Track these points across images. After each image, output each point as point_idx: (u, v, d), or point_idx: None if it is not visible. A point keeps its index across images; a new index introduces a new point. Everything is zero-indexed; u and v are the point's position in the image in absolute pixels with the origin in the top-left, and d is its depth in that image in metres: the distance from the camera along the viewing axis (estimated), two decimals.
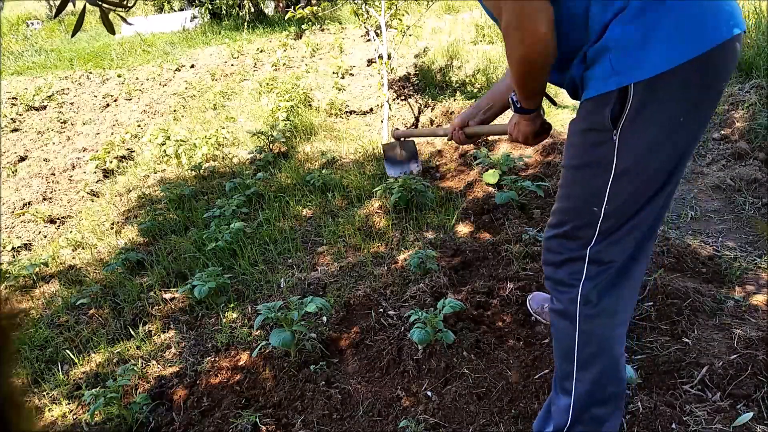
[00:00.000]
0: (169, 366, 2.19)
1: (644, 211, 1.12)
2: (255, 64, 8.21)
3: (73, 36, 1.31)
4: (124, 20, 1.40)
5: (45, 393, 2.18)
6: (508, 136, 1.44)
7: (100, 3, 1.19)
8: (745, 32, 1.08)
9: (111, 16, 1.26)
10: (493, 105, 1.62)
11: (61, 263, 3.53)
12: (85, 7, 1.22)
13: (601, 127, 1.07)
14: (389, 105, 4.93)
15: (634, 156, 1.06)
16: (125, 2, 1.26)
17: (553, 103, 1.52)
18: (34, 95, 7.46)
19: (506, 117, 1.61)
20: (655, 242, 1.44)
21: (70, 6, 1.20)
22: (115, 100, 7.39)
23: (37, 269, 3.37)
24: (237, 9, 11.43)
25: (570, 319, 1.23)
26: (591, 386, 1.24)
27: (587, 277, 1.19)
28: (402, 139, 2.16)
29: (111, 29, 1.28)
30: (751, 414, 1.46)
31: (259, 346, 2.02)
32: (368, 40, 7.84)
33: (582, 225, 1.17)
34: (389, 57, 4.94)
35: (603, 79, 1.04)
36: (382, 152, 2.22)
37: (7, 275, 3.31)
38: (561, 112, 4.66)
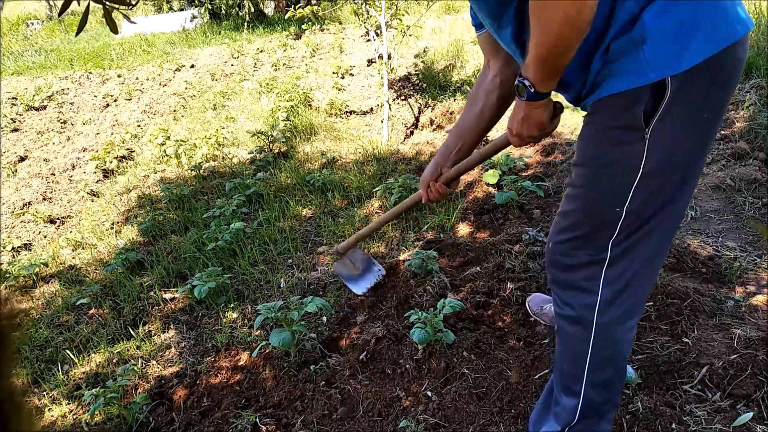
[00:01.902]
0: (169, 366, 2.19)
1: (666, 209, 1.08)
2: (255, 64, 8.21)
3: (77, 35, 1.31)
4: (128, 19, 1.39)
5: (45, 393, 2.18)
6: (511, 141, 1.24)
7: (103, 1, 1.19)
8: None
9: (113, 15, 1.26)
10: (463, 144, 1.47)
11: (61, 263, 3.53)
12: (88, 6, 1.22)
13: (630, 125, 1.01)
14: (389, 105, 4.93)
15: (663, 153, 1.02)
16: (128, 0, 1.26)
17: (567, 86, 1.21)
18: (34, 95, 7.47)
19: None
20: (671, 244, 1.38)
21: (72, 5, 1.20)
22: (115, 100, 7.39)
23: (37, 269, 3.37)
24: (237, 9, 11.43)
25: (584, 324, 1.18)
26: (600, 387, 1.23)
27: (606, 282, 1.13)
28: (345, 252, 2.02)
29: (114, 28, 1.28)
30: (751, 414, 1.46)
31: (259, 346, 2.02)
32: (368, 40, 7.84)
33: (601, 226, 1.11)
34: (389, 57, 4.94)
35: (635, 73, 0.98)
36: (337, 272, 2.04)
37: (7, 275, 3.31)
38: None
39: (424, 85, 5.94)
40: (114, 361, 2.32)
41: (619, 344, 1.20)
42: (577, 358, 1.22)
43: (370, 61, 7.14)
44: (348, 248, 1.96)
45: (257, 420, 1.73)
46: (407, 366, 1.86)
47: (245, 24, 10.93)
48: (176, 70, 8.53)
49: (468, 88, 5.69)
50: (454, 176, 1.50)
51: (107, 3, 1.20)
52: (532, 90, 1.06)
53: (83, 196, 4.71)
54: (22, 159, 5.73)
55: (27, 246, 3.98)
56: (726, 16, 0.97)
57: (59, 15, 1.27)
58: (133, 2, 1.26)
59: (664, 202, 1.07)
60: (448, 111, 5.19)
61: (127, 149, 5.63)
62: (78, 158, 5.54)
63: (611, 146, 1.06)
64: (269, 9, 12.21)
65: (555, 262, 1.22)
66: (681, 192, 1.08)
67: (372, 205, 3.37)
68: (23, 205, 4.58)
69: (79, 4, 1.23)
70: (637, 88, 0.98)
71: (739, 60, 1.01)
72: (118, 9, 1.25)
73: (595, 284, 1.14)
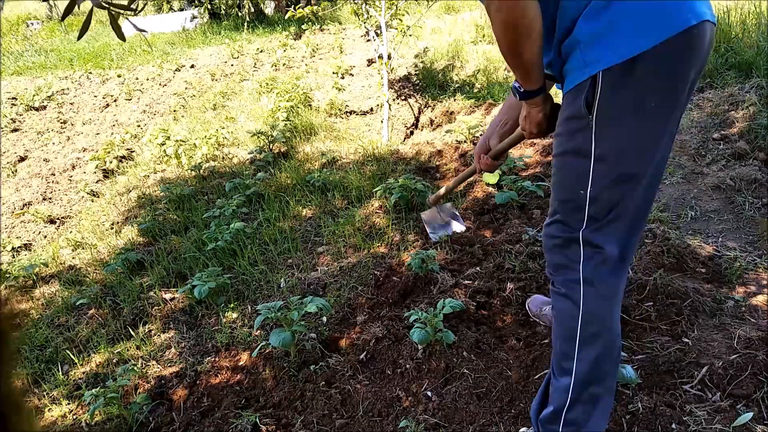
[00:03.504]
0: (169, 366, 2.19)
1: (629, 194, 1.18)
2: (255, 64, 8.21)
3: (79, 38, 1.31)
4: (134, 25, 1.39)
5: (45, 393, 2.18)
6: (524, 134, 1.40)
7: (107, 6, 1.19)
8: (715, 24, 1.13)
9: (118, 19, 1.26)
10: (509, 118, 1.57)
11: (61, 263, 3.53)
12: (92, 9, 1.22)
13: (578, 115, 1.14)
14: (389, 105, 4.93)
15: (611, 141, 1.13)
16: (133, 5, 1.26)
17: (557, 81, 1.36)
18: (34, 95, 7.46)
19: None
20: (644, 228, 1.48)
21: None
22: (115, 100, 7.39)
23: (37, 269, 3.37)
24: (237, 9, 11.42)
25: (573, 300, 1.27)
26: (591, 365, 1.27)
27: (585, 259, 1.24)
28: (435, 203, 2.18)
29: (121, 35, 1.28)
30: (751, 414, 1.46)
31: (259, 346, 2.02)
32: (368, 40, 7.84)
33: (572, 209, 1.23)
34: (389, 57, 4.94)
35: (576, 71, 1.13)
36: (424, 218, 2.23)
37: (7, 275, 3.31)
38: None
39: (424, 85, 5.94)
40: (114, 361, 2.32)
41: (606, 321, 1.26)
42: (568, 335, 1.30)
43: (370, 61, 7.14)
44: (437, 201, 2.13)
45: (257, 420, 1.73)
46: (407, 366, 1.86)
47: (245, 24, 10.92)
48: (176, 70, 8.53)
49: (468, 88, 5.69)
50: (496, 153, 1.62)
51: (113, 9, 1.20)
52: (521, 89, 1.25)
53: (83, 196, 4.71)
54: (22, 159, 5.73)
55: (27, 246, 3.98)
56: (658, 15, 1.05)
57: (62, 18, 1.27)
58: (138, 8, 1.26)
59: (625, 189, 1.17)
60: (447, 111, 5.19)
61: (127, 149, 5.63)
62: (78, 158, 5.54)
63: (568, 136, 1.20)
64: (269, 9, 12.21)
65: (545, 245, 1.35)
66: (640, 178, 1.17)
67: (372, 205, 3.37)
68: (23, 205, 4.58)
69: (79, 8, 1.24)
70: (579, 83, 1.12)
71: (684, 53, 1.07)
72: (123, 14, 1.25)
73: (575, 262, 1.25)
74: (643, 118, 1.11)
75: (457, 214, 2.17)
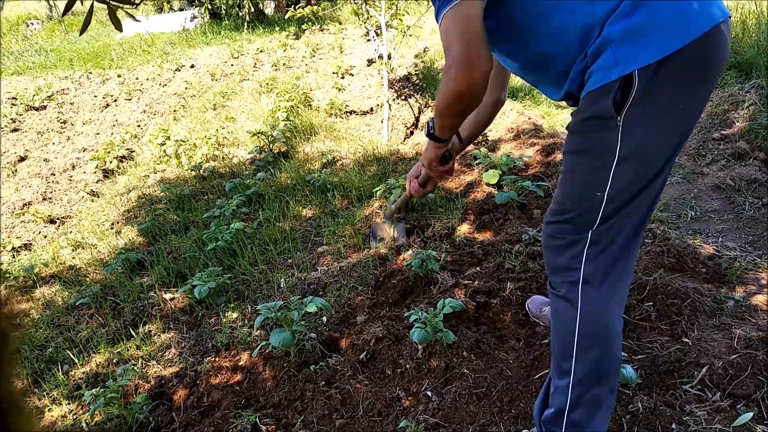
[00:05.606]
0: (169, 366, 2.19)
1: (642, 194, 1.16)
2: (255, 64, 8.21)
3: (81, 34, 1.32)
4: (132, 17, 1.39)
5: (45, 393, 2.18)
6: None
7: (107, 0, 1.20)
8: (730, 17, 1.14)
9: (118, 14, 1.27)
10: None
11: (61, 263, 3.53)
12: (92, 5, 1.23)
13: (603, 115, 1.11)
14: (389, 105, 4.93)
15: (638, 140, 1.11)
16: None
17: (461, 140, 1.61)
18: (34, 95, 7.46)
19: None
20: (647, 225, 1.47)
21: (75, 5, 1.20)
22: (115, 100, 7.39)
23: (37, 269, 3.37)
24: (237, 9, 11.42)
25: (572, 301, 1.25)
26: (590, 366, 1.26)
27: (587, 259, 1.22)
28: (393, 216, 2.29)
29: (118, 26, 1.28)
30: (751, 414, 1.46)
31: (259, 346, 2.02)
32: (368, 40, 7.84)
33: (584, 210, 1.20)
34: (389, 57, 4.94)
35: (606, 70, 1.09)
36: (371, 229, 2.35)
37: (7, 275, 3.31)
38: (561, 113, 4.66)
39: (424, 85, 5.94)
40: (114, 361, 2.32)
41: (605, 325, 1.25)
42: (567, 336, 1.28)
43: (370, 61, 7.13)
44: (392, 214, 2.31)
45: (257, 420, 1.73)
46: (407, 366, 1.86)
47: (245, 24, 10.92)
48: (176, 70, 8.53)
49: None
50: (423, 181, 1.71)
51: (112, 2, 1.20)
52: (432, 131, 1.37)
53: (83, 196, 4.71)
54: (22, 159, 5.73)
55: (27, 246, 3.98)
56: (691, 10, 1.05)
57: (63, 15, 1.28)
58: (137, 1, 1.27)
59: (642, 188, 1.16)
60: None
61: (127, 149, 5.63)
62: (78, 158, 5.54)
63: (588, 135, 1.18)
64: (269, 9, 12.20)
65: (546, 244, 1.32)
66: (657, 178, 1.16)
67: (372, 205, 3.37)
68: (23, 205, 4.58)
69: (82, 4, 1.24)
70: (608, 83, 1.09)
71: (714, 49, 1.08)
72: (122, 8, 1.25)
73: (578, 263, 1.23)
74: (672, 117, 1.10)
75: (405, 232, 2.26)
